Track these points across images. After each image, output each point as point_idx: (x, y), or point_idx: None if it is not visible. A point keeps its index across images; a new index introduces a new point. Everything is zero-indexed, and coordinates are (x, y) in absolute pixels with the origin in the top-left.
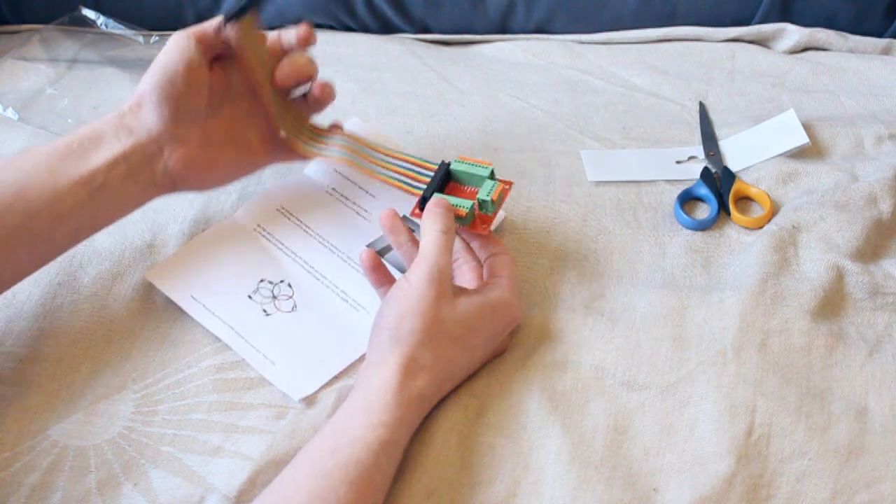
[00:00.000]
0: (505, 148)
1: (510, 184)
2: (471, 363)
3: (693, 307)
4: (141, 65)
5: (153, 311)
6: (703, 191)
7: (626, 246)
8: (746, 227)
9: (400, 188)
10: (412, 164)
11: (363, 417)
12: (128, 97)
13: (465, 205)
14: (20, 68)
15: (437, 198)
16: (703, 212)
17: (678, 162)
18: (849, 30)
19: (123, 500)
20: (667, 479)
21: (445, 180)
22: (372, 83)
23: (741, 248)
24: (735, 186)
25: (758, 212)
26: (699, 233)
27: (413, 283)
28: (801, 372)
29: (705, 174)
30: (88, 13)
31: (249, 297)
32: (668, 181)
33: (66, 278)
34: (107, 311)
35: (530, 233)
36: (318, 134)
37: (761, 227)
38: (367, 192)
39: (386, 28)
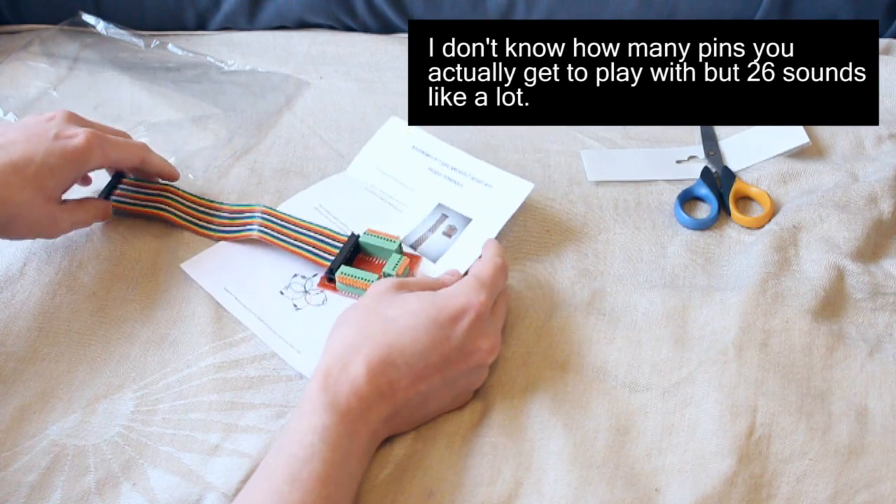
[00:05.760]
0: (505, 148)
1: (416, 258)
2: (417, 348)
3: (694, 307)
4: (142, 66)
5: (152, 311)
6: (704, 190)
7: (626, 246)
8: (747, 227)
9: (308, 259)
10: (322, 234)
11: (298, 413)
12: (128, 98)
13: (370, 278)
14: (21, 72)
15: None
16: (704, 211)
17: (678, 162)
18: None
19: (122, 500)
20: (668, 479)
21: (355, 252)
22: (372, 83)
23: (741, 247)
24: (735, 186)
25: (758, 211)
26: (699, 232)
27: None
28: (802, 372)
29: (705, 174)
30: (88, 18)
31: (281, 292)
32: (668, 181)
33: (66, 278)
34: (106, 310)
35: (530, 233)
36: (233, 213)
37: (761, 227)
38: (403, 185)
39: (386, 28)
